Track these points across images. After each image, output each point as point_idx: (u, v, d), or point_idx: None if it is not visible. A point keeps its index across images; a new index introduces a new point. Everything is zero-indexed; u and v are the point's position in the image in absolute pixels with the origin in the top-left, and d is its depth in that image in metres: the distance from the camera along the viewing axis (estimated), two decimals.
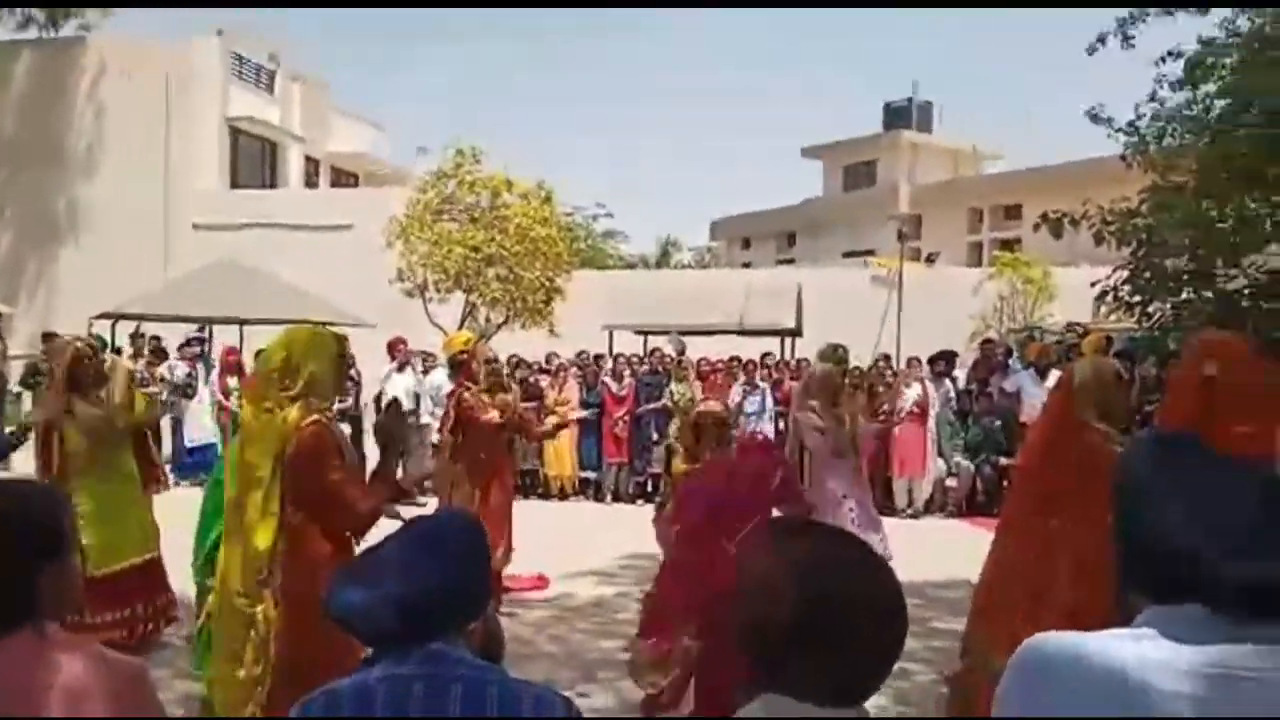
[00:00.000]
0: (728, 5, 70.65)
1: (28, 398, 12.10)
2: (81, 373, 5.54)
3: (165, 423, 11.77)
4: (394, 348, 11.85)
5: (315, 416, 3.36)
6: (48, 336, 12.62)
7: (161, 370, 12.05)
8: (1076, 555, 4.15)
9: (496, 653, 1.98)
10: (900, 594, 1.31)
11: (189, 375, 12.19)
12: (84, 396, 5.52)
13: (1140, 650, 1.25)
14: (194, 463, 12.20)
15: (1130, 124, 9.44)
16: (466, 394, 6.47)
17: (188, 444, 12.10)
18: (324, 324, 14.58)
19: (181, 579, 5.77)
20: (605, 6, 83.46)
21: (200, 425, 12.00)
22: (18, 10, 22.49)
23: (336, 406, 11.91)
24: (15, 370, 13.15)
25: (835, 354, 6.38)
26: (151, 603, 5.56)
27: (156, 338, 12.84)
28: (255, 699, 3.30)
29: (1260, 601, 1.24)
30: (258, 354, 3.88)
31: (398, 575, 1.58)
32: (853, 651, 1.26)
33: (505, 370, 11.97)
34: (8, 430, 10.92)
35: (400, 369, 11.70)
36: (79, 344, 5.75)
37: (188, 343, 12.89)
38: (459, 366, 6.83)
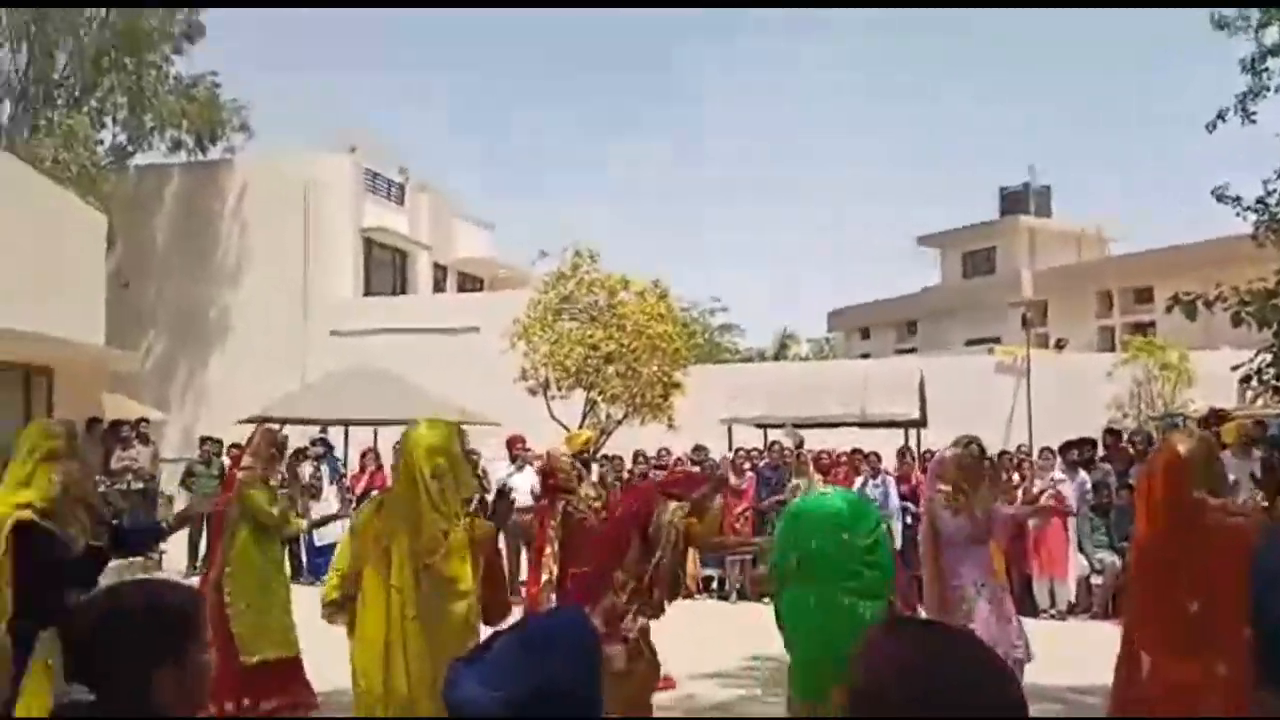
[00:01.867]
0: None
1: (179, 500, 12.75)
2: (274, 458, 6.05)
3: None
4: (512, 446, 11.93)
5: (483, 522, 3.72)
6: (204, 440, 13.41)
7: (300, 471, 12.54)
8: (1226, 641, 3.94)
9: None
10: (1018, 697, 1.25)
11: (314, 475, 12.63)
12: (266, 482, 5.97)
13: None
14: (323, 562, 12.57)
15: (1259, 201, 9.13)
16: (570, 507, 6.43)
17: (316, 543, 12.49)
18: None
19: (327, 674, 6.00)
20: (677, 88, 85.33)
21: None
22: (167, 135, 24.36)
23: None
24: (167, 472, 13.92)
25: (969, 445, 6.15)
26: (292, 698, 5.72)
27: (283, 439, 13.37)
28: None
29: None
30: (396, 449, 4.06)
31: (511, 674, 1.58)
32: None
33: (625, 469, 12.08)
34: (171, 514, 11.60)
35: (520, 469, 11.76)
36: (280, 432, 6.49)
37: (312, 443, 13.38)
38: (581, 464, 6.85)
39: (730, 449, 14.03)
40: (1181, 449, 4.23)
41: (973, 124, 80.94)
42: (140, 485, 12.13)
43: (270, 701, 5.56)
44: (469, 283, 29.76)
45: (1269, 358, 8.84)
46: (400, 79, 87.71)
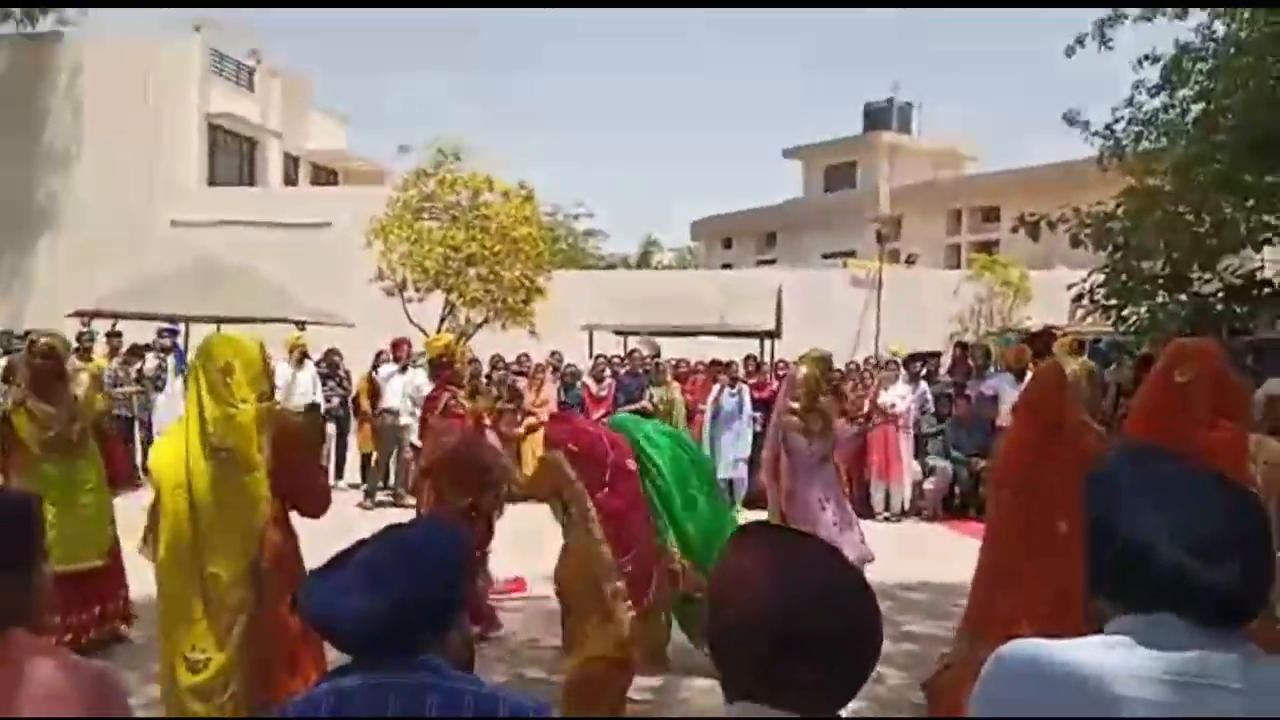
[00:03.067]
0: (711, 5, 70.42)
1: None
2: (41, 369, 5.55)
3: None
4: (397, 349, 11.65)
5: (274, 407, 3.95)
6: (27, 335, 12.48)
7: (135, 370, 11.89)
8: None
9: (468, 659, 2.00)
10: (876, 606, 1.30)
11: (159, 368, 12.06)
12: (41, 393, 5.53)
13: (1114, 658, 1.26)
14: None
15: (1107, 127, 9.49)
16: (452, 400, 6.35)
17: (158, 437, 11.94)
18: (302, 322, 14.13)
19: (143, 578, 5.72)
20: (591, 7, 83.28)
21: (172, 418, 11.80)
22: None
23: (324, 406, 11.50)
24: None
25: (820, 360, 6.37)
26: (103, 607, 5.53)
27: (118, 334, 12.58)
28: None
29: (1229, 610, 1.26)
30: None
31: (376, 584, 1.56)
32: (830, 660, 1.24)
33: (484, 372, 11.98)
34: None
35: (403, 370, 11.39)
36: (43, 340, 5.78)
37: (159, 334, 12.79)
38: (440, 368, 6.71)
39: (590, 355, 14.05)
40: (1068, 371, 4.41)
41: (844, 40, 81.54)
42: None
43: (74, 616, 5.31)
44: (322, 176, 28.54)
45: (1101, 278, 9.33)
46: None
